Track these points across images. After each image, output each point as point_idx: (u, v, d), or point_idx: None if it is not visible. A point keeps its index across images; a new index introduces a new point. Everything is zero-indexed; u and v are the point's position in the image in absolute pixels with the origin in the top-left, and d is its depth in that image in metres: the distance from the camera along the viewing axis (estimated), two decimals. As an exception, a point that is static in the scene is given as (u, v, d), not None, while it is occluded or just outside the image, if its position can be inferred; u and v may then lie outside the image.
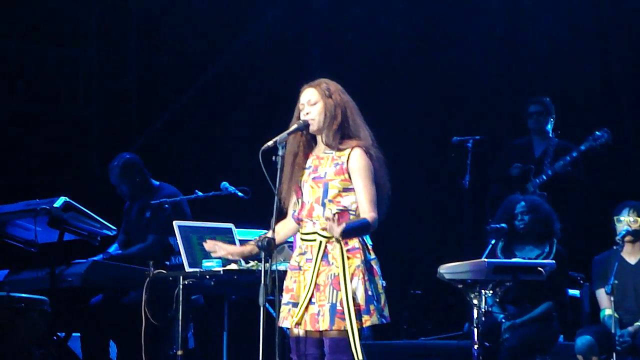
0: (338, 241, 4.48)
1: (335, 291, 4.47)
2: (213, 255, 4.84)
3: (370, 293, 4.49)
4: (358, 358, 4.45)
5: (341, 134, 4.57)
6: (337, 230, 4.38)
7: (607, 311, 6.44)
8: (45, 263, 6.29)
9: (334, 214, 4.46)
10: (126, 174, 6.79)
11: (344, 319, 4.44)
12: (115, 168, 6.81)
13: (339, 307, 4.45)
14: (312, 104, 4.59)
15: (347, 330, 4.44)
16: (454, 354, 7.11)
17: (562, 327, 6.86)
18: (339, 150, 4.57)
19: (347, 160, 4.55)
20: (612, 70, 8.31)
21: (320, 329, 4.48)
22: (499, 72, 8.60)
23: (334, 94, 4.59)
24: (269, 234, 4.47)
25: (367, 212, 4.50)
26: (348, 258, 4.49)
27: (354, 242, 4.52)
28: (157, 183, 6.87)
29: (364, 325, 4.48)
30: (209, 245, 4.77)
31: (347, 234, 4.43)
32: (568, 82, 8.44)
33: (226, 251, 4.76)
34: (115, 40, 8.97)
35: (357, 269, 4.49)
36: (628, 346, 6.33)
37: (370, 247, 4.59)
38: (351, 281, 4.47)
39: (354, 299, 4.46)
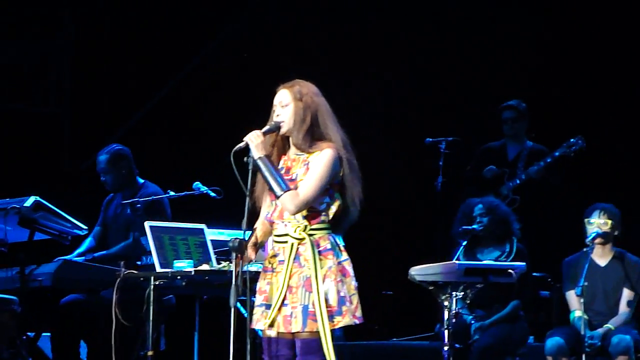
0: (310, 242, 4.47)
1: (307, 293, 4.46)
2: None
3: (342, 294, 4.49)
4: (330, 359, 4.45)
5: (311, 137, 4.55)
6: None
7: (577, 313, 6.47)
8: (15, 262, 6.25)
9: None
10: (114, 163, 6.74)
11: (316, 321, 4.44)
12: (104, 155, 6.76)
13: (311, 309, 4.45)
14: (283, 105, 4.59)
15: (319, 332, 4.44)
16: (425, 355, 7.12)
17: (532, 328, 6.89)
18: (309, 152, 4.56)
19: (315, 160, 4.54)
20: (587, 75, 8.32)
21: (293, 331, 4.48)
22: (474, 72, 8.60)
23: (305, 96, 4.57)
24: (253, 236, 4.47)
25: (297, 193, 4.44)
26: (320, 259, 4.49)
27: (326, 244, 4.52)
28: (142, 181, 6.84)
29: (336, 327, 4.48)
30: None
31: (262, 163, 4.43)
32: (545, 85, 8.45)
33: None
34: (87, 35, 8.91)
35: (329, 270, 4.49)
36: (597, 348, 6.37)
37: (342, 248, 4.59)
38: (323, 282, 4.47)
39: (326, 300, 4.45)
